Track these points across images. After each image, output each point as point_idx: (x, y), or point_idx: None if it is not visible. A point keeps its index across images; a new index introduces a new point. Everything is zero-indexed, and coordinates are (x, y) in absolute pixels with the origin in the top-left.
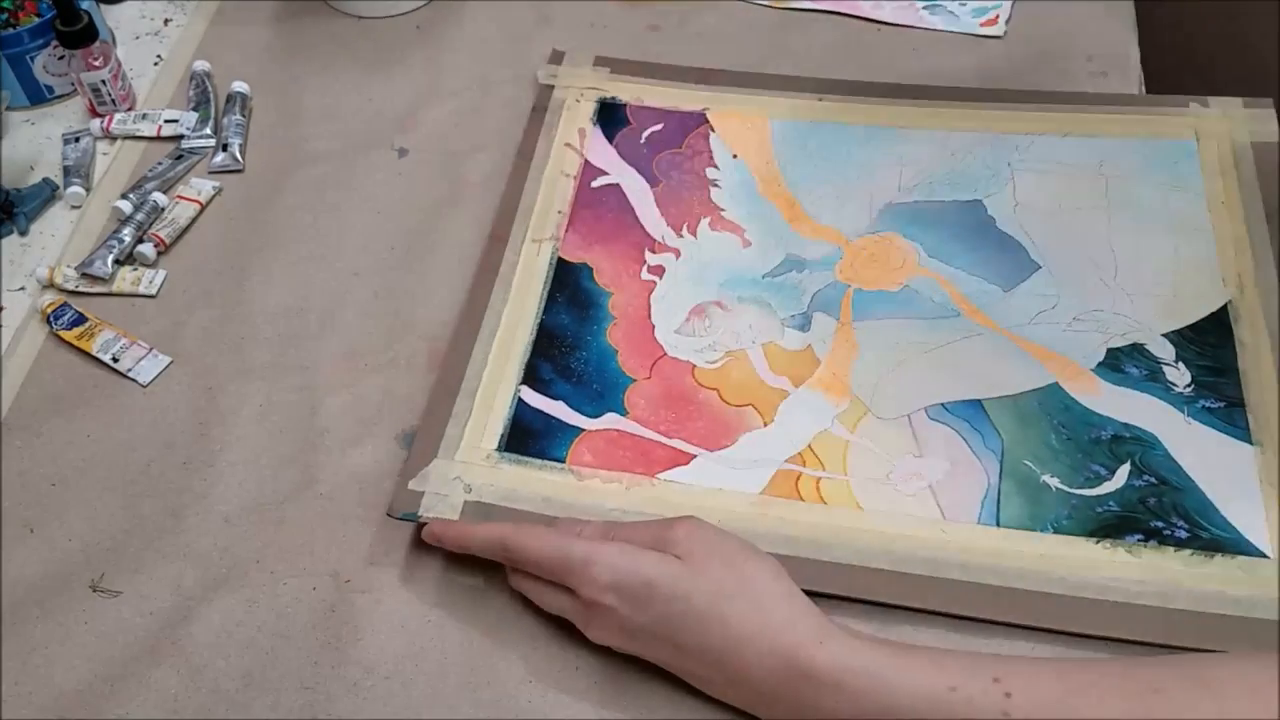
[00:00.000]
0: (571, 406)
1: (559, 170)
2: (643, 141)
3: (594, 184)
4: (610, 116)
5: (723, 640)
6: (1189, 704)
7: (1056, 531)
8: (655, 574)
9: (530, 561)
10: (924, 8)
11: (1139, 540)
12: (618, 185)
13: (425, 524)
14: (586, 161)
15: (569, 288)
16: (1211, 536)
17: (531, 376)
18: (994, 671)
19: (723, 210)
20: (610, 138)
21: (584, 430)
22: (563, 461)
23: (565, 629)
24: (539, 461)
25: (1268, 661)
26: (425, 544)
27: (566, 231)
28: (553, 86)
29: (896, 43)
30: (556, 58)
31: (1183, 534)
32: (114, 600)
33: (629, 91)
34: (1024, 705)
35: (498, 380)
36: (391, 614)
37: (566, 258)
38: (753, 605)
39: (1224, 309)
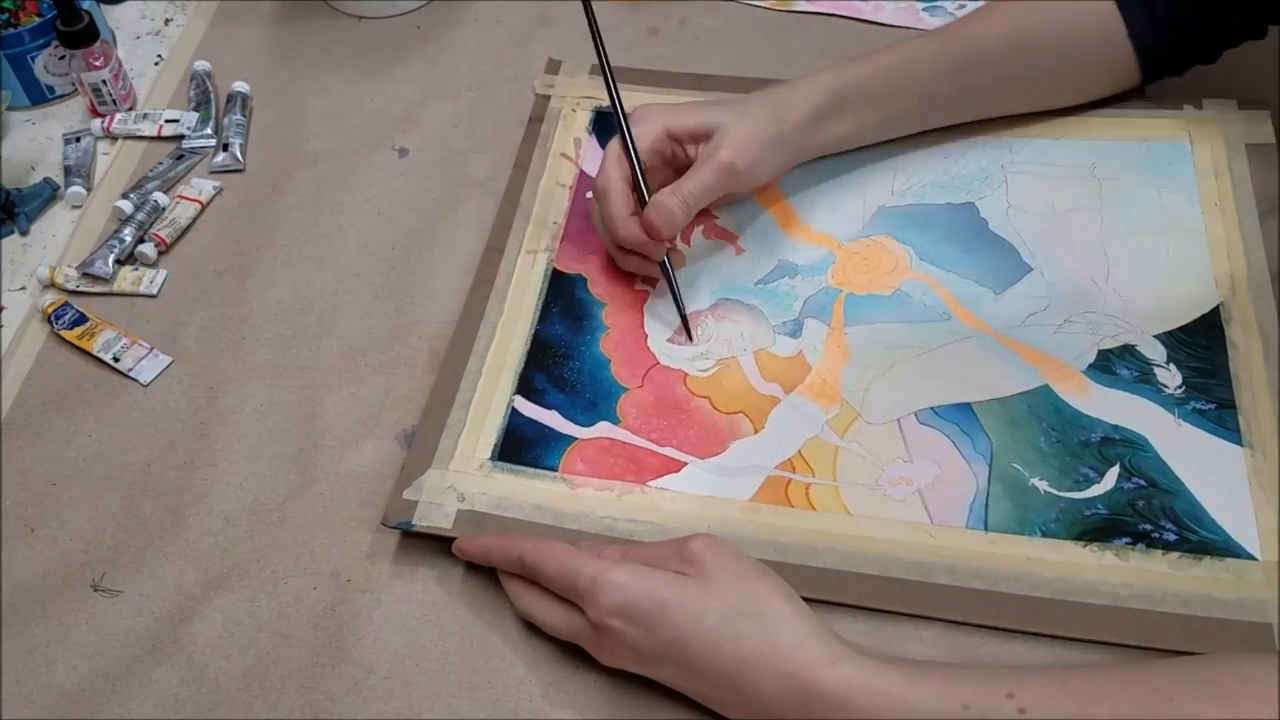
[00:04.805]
0: (564, 415)
1: (555, 181)
2: None
3: (589, 194)
4: (606, 125)
5: (734, 660)
6: (1200, 708)
7: (1044, 535)
8: (668, 594)
9: (544, 578)
10: (924, 9)
11: (1127, 543)
12: None
13: (419, 531)
14: (582, 172)
15: (563, 298)
16: (1200, 539)
17: (525, 386)
18: (1006, 687)
19: (716, 218)
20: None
21: (576, 439)
22: (555, 470)
23: None
24: (532, 470)
25: (1276, 663)
26: (425, 544)
27: (561, 242)
28: (549, 96)
29: None
30: (553, 67)
31: (1171, 536)
32: (115, 600)
33: (625, 99)
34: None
35: (491, 391)
36: (391, 614)
37: (561, 268)
38: (764, 624)
39: (1215, 310)
